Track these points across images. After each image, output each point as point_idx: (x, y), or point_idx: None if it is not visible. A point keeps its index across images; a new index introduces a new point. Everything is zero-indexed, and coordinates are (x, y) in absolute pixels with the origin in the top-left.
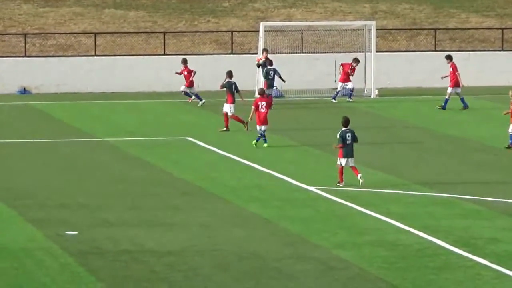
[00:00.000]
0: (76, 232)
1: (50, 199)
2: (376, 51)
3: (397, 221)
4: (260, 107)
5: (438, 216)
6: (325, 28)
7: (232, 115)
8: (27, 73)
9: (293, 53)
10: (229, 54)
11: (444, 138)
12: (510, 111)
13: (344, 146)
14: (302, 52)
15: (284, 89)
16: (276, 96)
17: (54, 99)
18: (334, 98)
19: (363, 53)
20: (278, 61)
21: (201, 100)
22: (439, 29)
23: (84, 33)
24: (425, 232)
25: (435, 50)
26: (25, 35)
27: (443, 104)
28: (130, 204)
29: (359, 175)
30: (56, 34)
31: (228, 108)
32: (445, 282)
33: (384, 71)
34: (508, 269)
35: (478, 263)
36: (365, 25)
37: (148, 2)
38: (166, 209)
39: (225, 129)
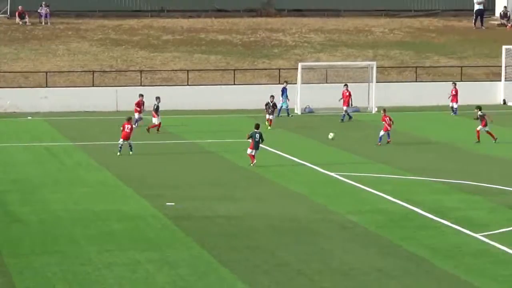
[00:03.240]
0: (173, 203)
1: (154, 182)
2: (376, 82)
3: (389, 195)
4: (125, 128)
5: (416, 192)
6: (342, 66)
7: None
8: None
9: (320, 83)
10: (277, 84)
11: (422, 139)
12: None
13: (253, 141)
14: (326, 83)
15: (314, 107)
16: (308, 112)
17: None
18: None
19: (368, 83)
20: (310, 89)
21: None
22: (419, 67)
23: (180, 70)
24: (407, 203)
25: (416, 81)
26: (140, 71)
27: (342, 117)
28: (210, 185)
29: (254, 162)
30: (161, 71)
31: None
32: (421, 237)
33: (382, 95)
34: (463, 228)
35: (443, 224)
36: (369, 64)
37: (224, 49)
38: (233, 188)
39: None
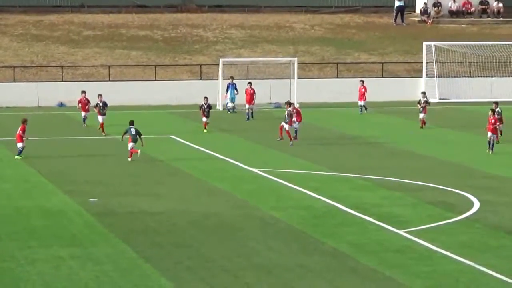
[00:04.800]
0: (96, 199)
1: (78, 178)
2: (298, 78)
3: (312, 192)
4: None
5: (339, 189)
6: (263, 62)
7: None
8: (63, 92)
9: (242, 79)
10: (199, 80)
11: (343, 136)
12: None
13: (131, 136)
14: (248, 78)
15: (236, 103)
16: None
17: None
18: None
19: (289, 79)
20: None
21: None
22: (340, 63)
23: (101, 65)
24: (330, 199)
25: (337, 77)
26: (61, 67)
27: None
28: (133, 181)
29: (139, 151)
30: (82, 66)
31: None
32: (345, 233)
33: (303, 91)
34: (386, 224)
35: (366, 220)
36: (290, 60)
37: (145, 45)
38: (157, 184)
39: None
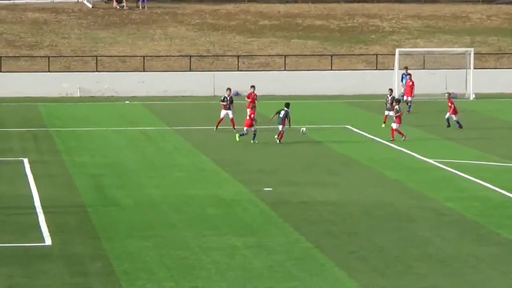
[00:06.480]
0: (271, 189)
1: (251, 167)
2: (474, 68)
3: (486, 182)
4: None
5: None
6: (439, 52)
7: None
8: (239, 81)
9: (418, 69)
10: (375, 70)
11: None
12: None
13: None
14: (424, 69)
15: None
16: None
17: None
18: None
19: (465, 70)
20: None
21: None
22: None
23: (277, 55)
24: (505, 190)
25: None
26: (238, 56)
27: (408, 108)
28: (306, 170)
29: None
30: (258, 56)
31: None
32: None
33: (479, 82)
34: None
35: None
36: (466, 50)
37: (321, 34)
38: (329, 173)
39: None
